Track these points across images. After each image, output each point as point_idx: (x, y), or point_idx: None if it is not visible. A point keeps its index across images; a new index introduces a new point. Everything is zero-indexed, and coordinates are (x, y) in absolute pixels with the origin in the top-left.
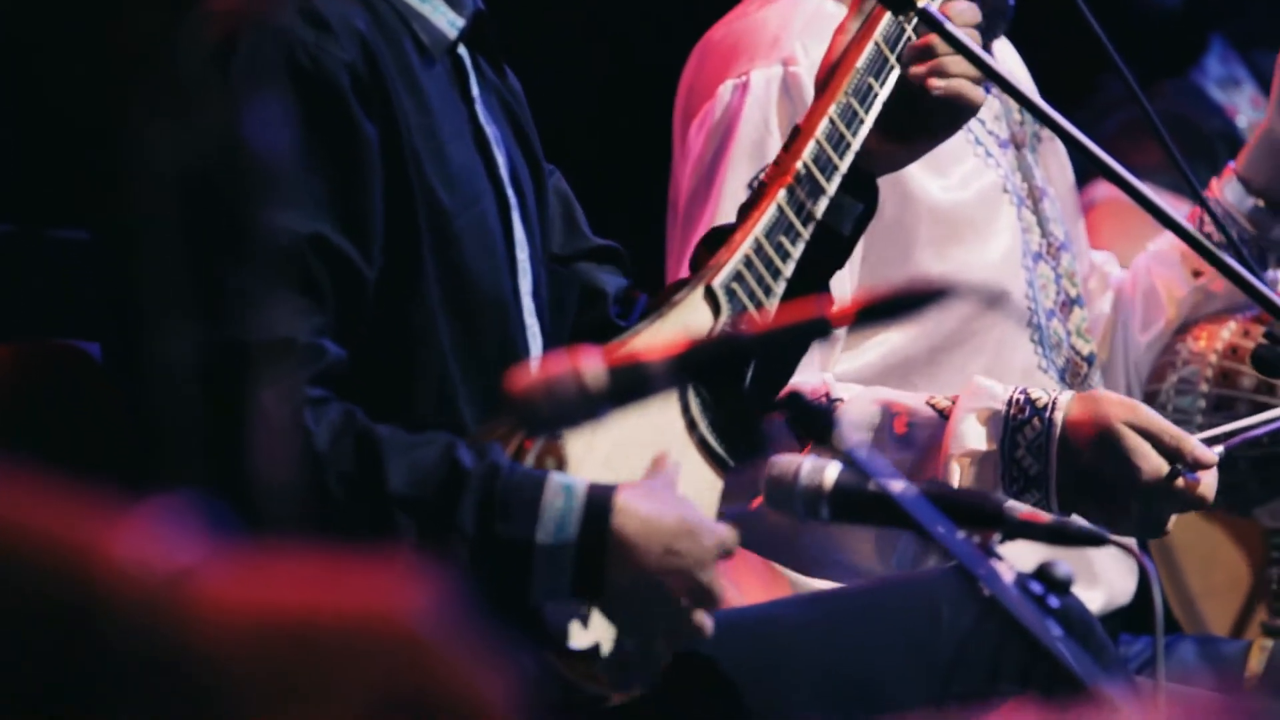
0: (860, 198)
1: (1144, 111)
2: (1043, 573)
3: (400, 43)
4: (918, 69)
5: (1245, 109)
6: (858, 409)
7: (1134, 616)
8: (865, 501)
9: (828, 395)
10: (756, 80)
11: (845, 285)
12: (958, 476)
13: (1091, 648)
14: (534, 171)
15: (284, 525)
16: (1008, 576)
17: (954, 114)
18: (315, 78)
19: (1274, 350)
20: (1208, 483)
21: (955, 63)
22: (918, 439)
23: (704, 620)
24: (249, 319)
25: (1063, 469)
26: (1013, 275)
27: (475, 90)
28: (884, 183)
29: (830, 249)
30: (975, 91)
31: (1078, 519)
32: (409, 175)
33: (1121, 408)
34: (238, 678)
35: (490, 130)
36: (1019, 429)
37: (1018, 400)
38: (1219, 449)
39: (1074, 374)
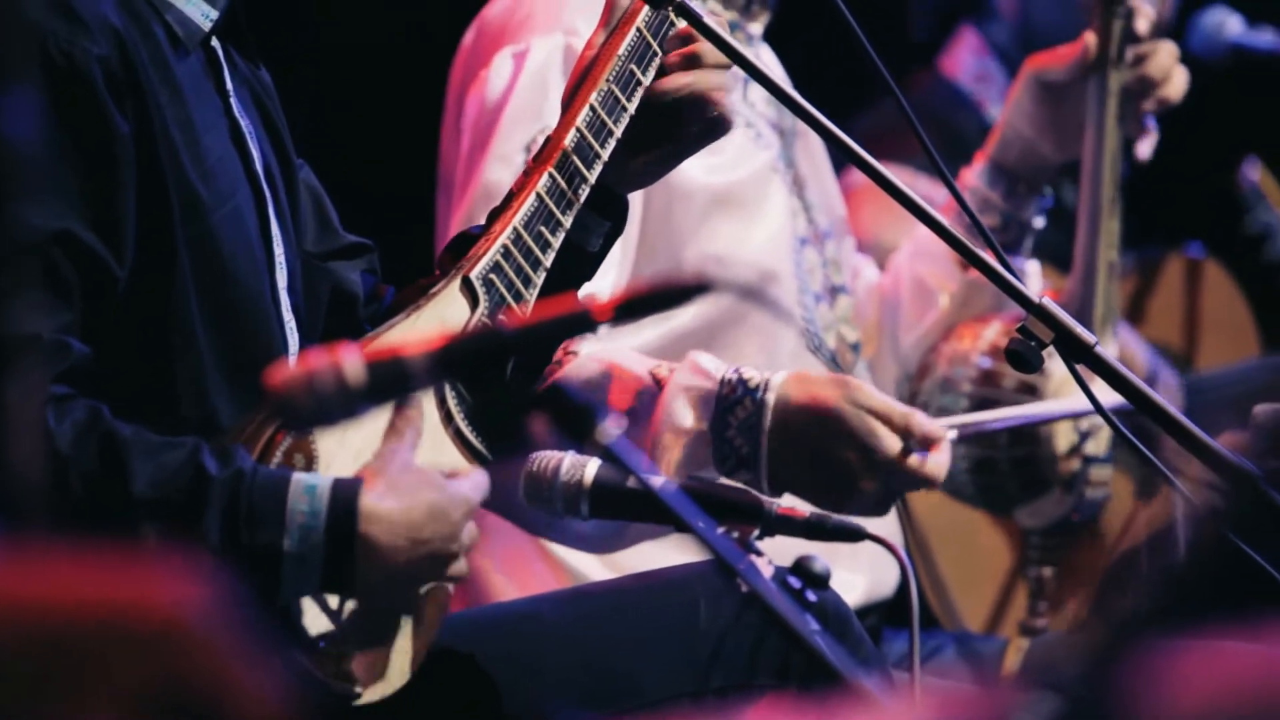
0: (608, 216)
1: (900, 106)
2: (801, 567)
3: (153, 34)
4: (679, 82)
5: (994, 100)
6: (583, 368)
7: (895, 612)
8: (626, 497)
9: (565, 349)
10: (537, 48)
11: (614, 274)
12: (666, 451)
13: (848, 641)
14: (285, 167)
15: (33, 522)
16: (766, 571)
17: (712, 129)
18: (67, 72)
19: (1027, 345)
20: (938, 460)
21: (720, 80)
22: (635, 408)
23: (458, 568)
24: None
25: (774, 450)
26: (782, 256)
27: (229, 83)
28: None
29: (578, 264)
30: (730, 107)
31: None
32: (164, 169)
33: (840, 387)
34: None
35: (245, 124)
36: (730, 409)
37: (730, 380)
38: (952, 432)
39: (842, 359)
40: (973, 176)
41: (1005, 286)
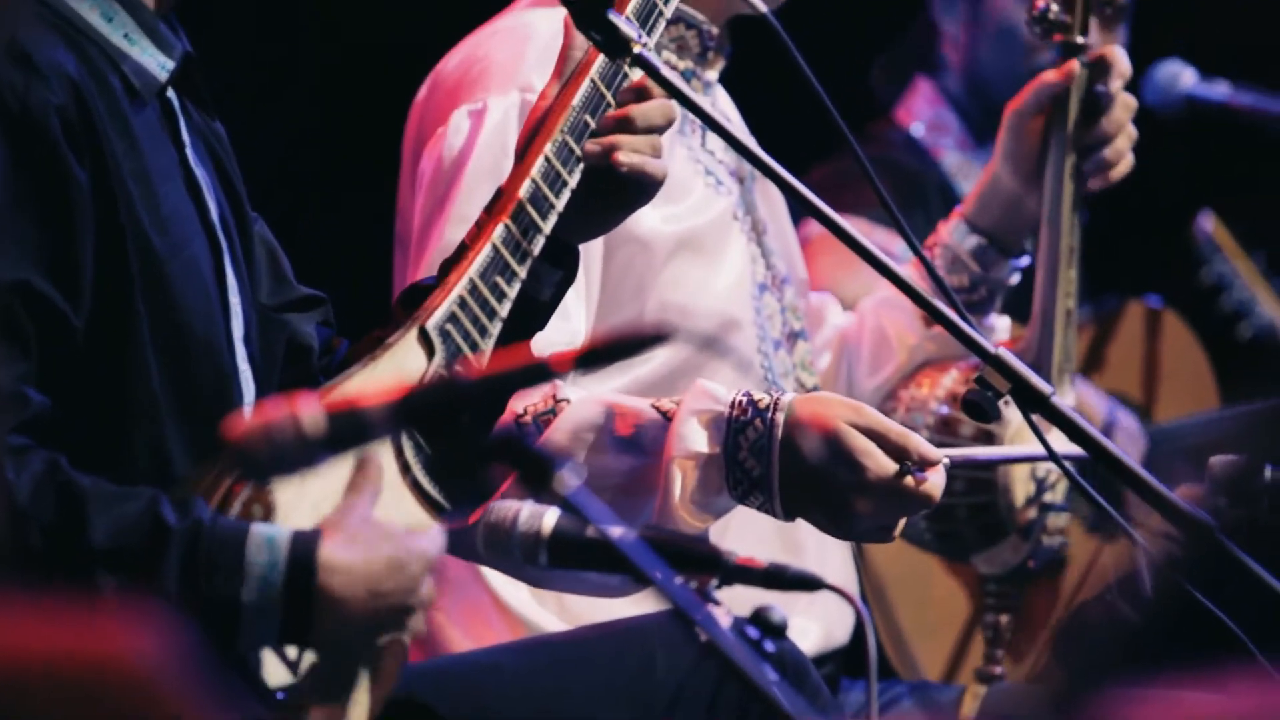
0: (560, 265)
1: (857, 159)
2: (759, 617)
3: (109, 85)
4: (593, 148)
5: (950, 149)
6: (581, 411)
7: (851, 660)
8: (584, 547)
9: (554, 396)
10: (494, 107)
11: (580, 323)
12: (680, 479)
13: (806, 691)
14: (240, 218)
15: None
16: (724, 621)
17: (642, 188)
18: (23, 121)
19: (984, 395)
20: (934, 482)
21: (632, 141)
22: (642, 441)
23: (415, 622)
24: None
25: (785, 471)
26: (743, 303)
27: (185, 134)
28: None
29: (529, 314)
30: (655, 165)
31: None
32: (120, 218)
33: (844, 408)
34: None
35: (200, 174)
36: (741, 430)
37: (740, 402)
38: (945, 460)
39: None
40: (947, 233)
41: (962, 336)
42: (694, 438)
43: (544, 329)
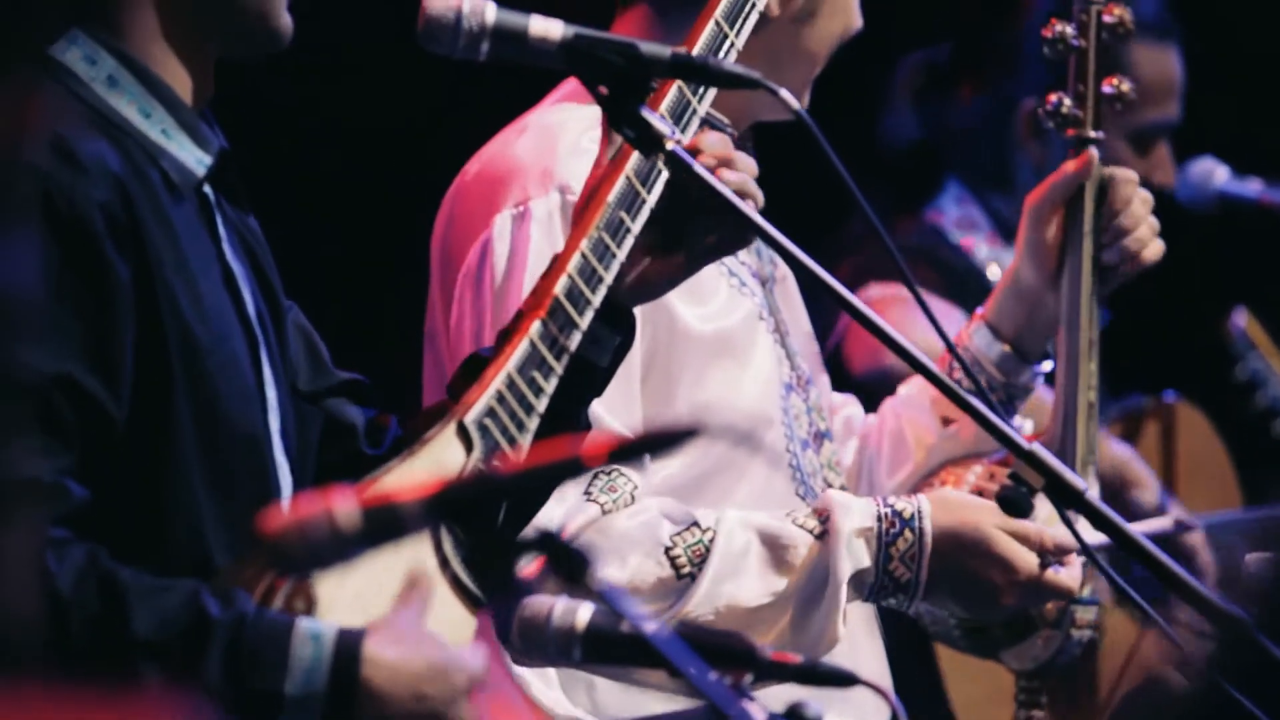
0: (617, 329)
1: (888, 251)
2: (793, 713)
3: (150, 179)
4: (708, 159)
5: (981, 245)
6: (734, 537)
7: None
8: (619, 642)
9: (698, 524)
10: (537, 209)
11: (634, 414)
12: (844, 598)
13: None
14: (274, 312)
15: (32, 667)
16: (759, 717)
17: (727, 241)
18: (69, 218)
19: (1018, 491)
20: (1072, 573)
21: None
22: (797, 562)
23: None
24: None
25: (931, 575)
26: (771, 402)
27: (221, 229)
28: (654, 315)
29: (588, 380)
30: (755, 189)
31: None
32: (162, 312)
33: (987, 512)
34: None
35: (237, 268)
36: (892, 542)
37: (886, 514)
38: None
39: None
40: (968, 336)
41: (995, 432)
42: (859, 557)
43: (600, 395)
